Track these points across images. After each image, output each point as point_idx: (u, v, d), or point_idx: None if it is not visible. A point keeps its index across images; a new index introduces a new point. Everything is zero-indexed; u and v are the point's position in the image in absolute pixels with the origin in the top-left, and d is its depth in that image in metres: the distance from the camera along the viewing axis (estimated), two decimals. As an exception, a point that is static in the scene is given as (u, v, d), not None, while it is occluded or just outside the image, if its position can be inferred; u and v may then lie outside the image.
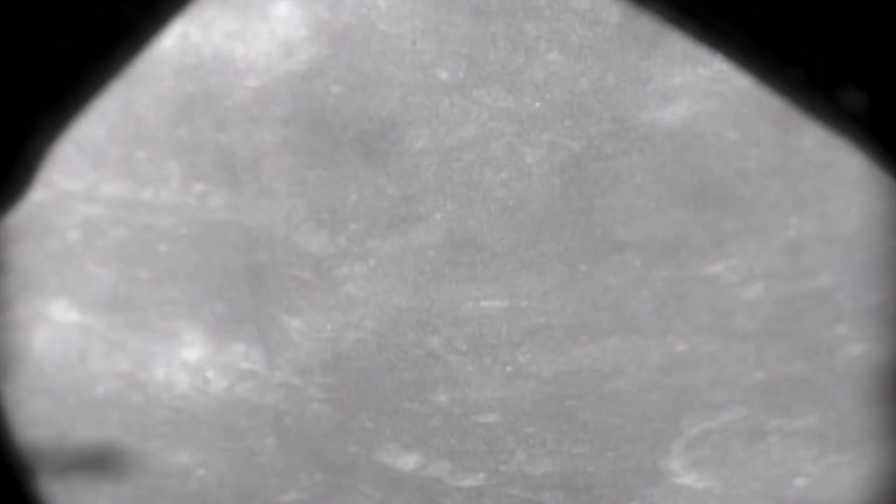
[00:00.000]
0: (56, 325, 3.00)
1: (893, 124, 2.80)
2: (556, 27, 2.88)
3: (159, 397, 3.02)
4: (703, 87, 2.64)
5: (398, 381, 2.82)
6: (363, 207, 2.89)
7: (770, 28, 2.82)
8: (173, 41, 2.77)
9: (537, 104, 2.89)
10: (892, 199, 2.87)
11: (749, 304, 3.00)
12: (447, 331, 2.99)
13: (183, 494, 3.16)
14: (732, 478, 3.15)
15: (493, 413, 3.08)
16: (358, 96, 2.78)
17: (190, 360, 2.99)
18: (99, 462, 3.10)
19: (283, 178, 2.83)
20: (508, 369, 3.06)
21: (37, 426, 3.08)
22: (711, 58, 2.74)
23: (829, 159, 2.88)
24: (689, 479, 3.16)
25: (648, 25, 2.85)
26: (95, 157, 2.67)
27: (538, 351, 3.03)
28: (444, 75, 2.60)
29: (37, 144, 2.85)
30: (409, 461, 3.15)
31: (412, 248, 2.84)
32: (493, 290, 2.86)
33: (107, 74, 2.80)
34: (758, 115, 2.81)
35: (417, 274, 2.79)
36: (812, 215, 2.94)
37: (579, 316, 2.83)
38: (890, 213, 2.87)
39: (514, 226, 2.97)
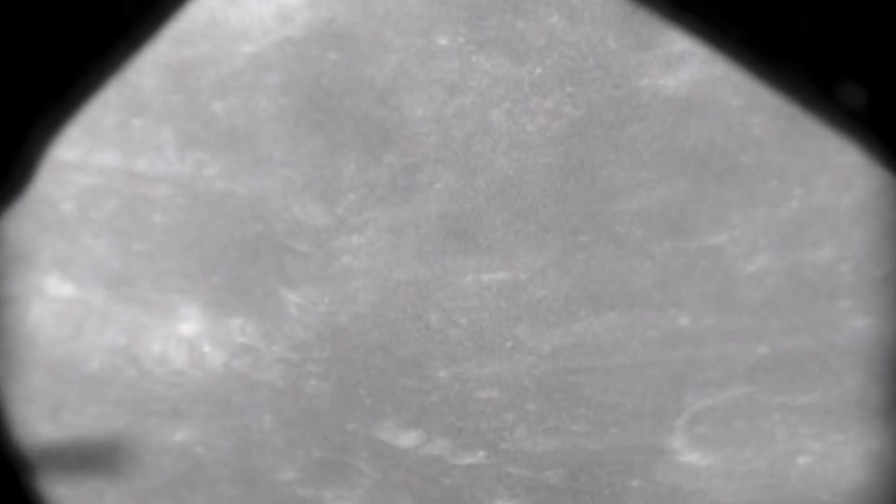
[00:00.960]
0: (50, 298, 2.84)
1: (892, 120, 2.59)
2: (556, -5, 2.29)
3: (155, 372, 2.88)
4: (707, 52, 2.27)
5: (397, 356, 2.63)
6: (361, 177, 2.78)
7: (768, 23, 2.66)
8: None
9: (538, 70, 2.74)
10: (892, 194, 2.65)
11: (752, 277, 2.83)
12: (446, 305, 2.82)
13: (179, 473, 2.98)
14: (735, 455, 2.95)
15: (493, 389, 2.90)
16: (356, 63, 2.69)
17: (186, 335, 2.86)
18: (94, 440, 2.92)
19: (279, 146, 2.73)
20: (508, 344, 2.88)
21: (31, 402, 2.90)
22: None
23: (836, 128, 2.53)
24: (691, 457, 2.96)
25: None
26: (89, 126, 2.30)
27: (538, 325, 2.85)
28: (443, 41, 2.36)
29: (36, 140, 2.68)
30: (408, 439, 2.96)
31: (411, 220, 2.73)
32: (493, 263, 2.74)
33: (106, 71, 2.66)
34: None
35: (416, 246, 2.70)
36: (817, 186, 2.77)
37: (579, 289, 2.73)
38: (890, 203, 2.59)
39: (514, 196, 2.81)
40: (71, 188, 2.67)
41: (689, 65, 2.61)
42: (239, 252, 2.61)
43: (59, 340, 2.80)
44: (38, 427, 2.83)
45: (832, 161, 2.67)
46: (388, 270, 2.62)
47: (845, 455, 2.85)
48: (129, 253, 2.72)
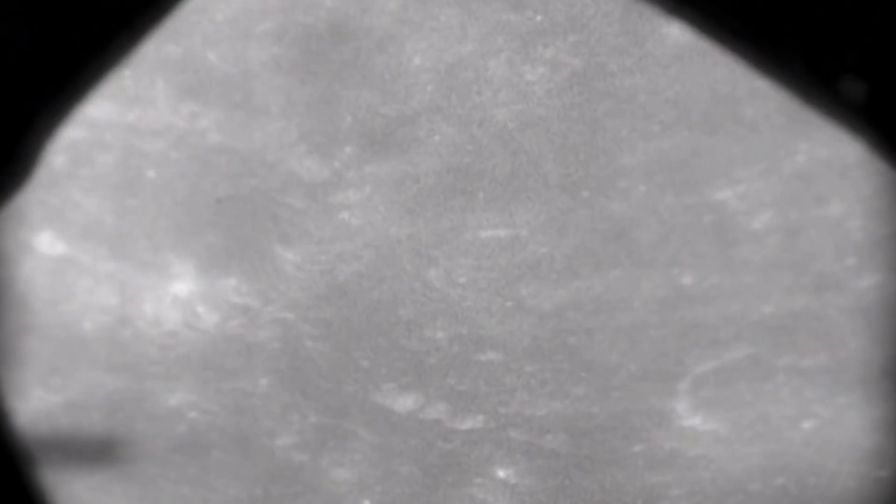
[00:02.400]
0: (41, 257, 2.53)
1: (892, 114, 2.30)
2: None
3: (148, 334, 2.57)
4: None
5: (395, 316, 2.53)
6: (358, 129, 2.47)
7: (769, 18, 2.34)
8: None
9: (538, 18, 2.44)
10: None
11: (756, 234, 2.50)
12: (445, 263, 2.52)
13: (174, 438, 2.63)
14: (738, 420, 2.59)
15: (493, 351, 2.57)
16: (352, 10, 2.44)
17: (180, 295, 2.55)
18: (86, 404, 2.58)
19: (274, 97, 2.46)
20: (508, 304, 2.55)
21: (23, 365, 2.56)
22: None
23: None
24: (694, 421, 2.61)
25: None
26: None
27: (539, 284, 2.52)
28: (442, -13, 1.86)
29: (39, 131, 2.38)
30: (406, 402, 2.62)
31: (409, 174, 2.49)
32: (493, 219, 2.51)
33: (107, 61, 2.35)
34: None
35: (414, 202, 2.50)
36: (823, 139, 2.43)
37: (581, 246, 2.52)
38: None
39: (514, 150, 2.48)
40: (61, 142, 2.44)
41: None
42: (233, 208, 2.42)
43: (50, 301, 2.50)
44: (29, 392, 2.52)
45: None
46: (385, 227, 2.43)
47: (851, 419, 2.52)
48: (121, 210, 2.45)
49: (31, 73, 2.32)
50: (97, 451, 2.41)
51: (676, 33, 2.24)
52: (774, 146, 2.34)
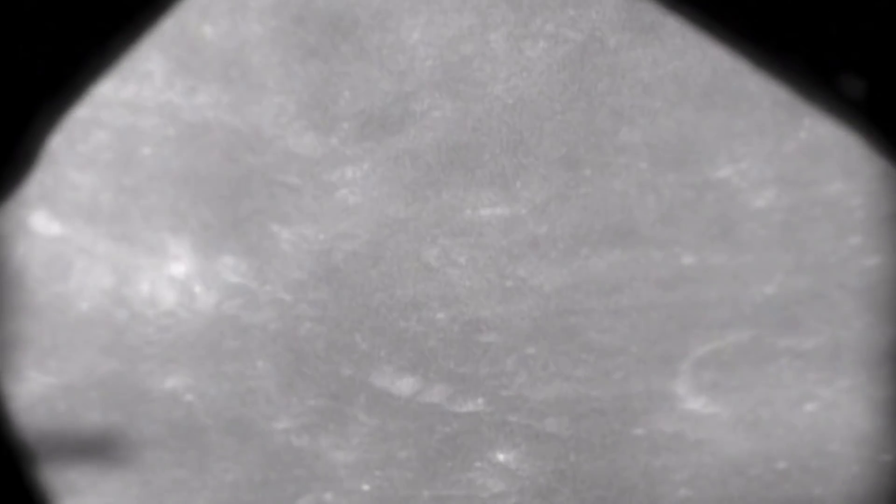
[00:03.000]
0: (37, 237, 2.36)
1: (892, 111, 2.16)
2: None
3: (145, 314, 2.40)
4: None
5: (393, 297, 2.39)
6: (356, 105, 2.32)
7: (768, 15, 2.20)
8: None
9: None
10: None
11: (759, 212, 2.35)
12: (445, 242, 2.36)
13: (170, 422, 2.45)
14: (740, 403, 2.42)
15: (493, 332, 2.41)
16: None
17: (177, 275, 2.38)
18: (83, 388, 2.39)
19: (271, 72, 2.32)
20: (508, 284, 2.39)
21: (18, 348, 2.37)
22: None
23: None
24: (695, 405, 2.44)
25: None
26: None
27: (539, 264, 2.37)
28: (440, -40, 1.72)
29: (37, 130, 2.22)
30: (405, 385, 2.45)
31: (408, 151, 2.34)
32: (493, 197, 2.37)
33: (106, 60, 2.21)
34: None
35: (413, 179, 2.37)
36: (827, 116, 2.25)
37: (582, 225, 2.39)
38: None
39: (514, 126, 2.32)
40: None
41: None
42: (230, 186, 2.31)
43: (46, 281, 2.35)
44: (25, 375, 2.36)
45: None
46: (383, 205, 2.32)
47: (854, 402, 2.36)
48: (117, 188, 2.31)
49: (31, 69, 2.22)
50: (93, 436, 2.24)
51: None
52: (777, 123, 2.24)
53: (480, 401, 2.29)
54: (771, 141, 2.16)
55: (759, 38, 2.14)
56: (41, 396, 2.25)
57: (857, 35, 2.16)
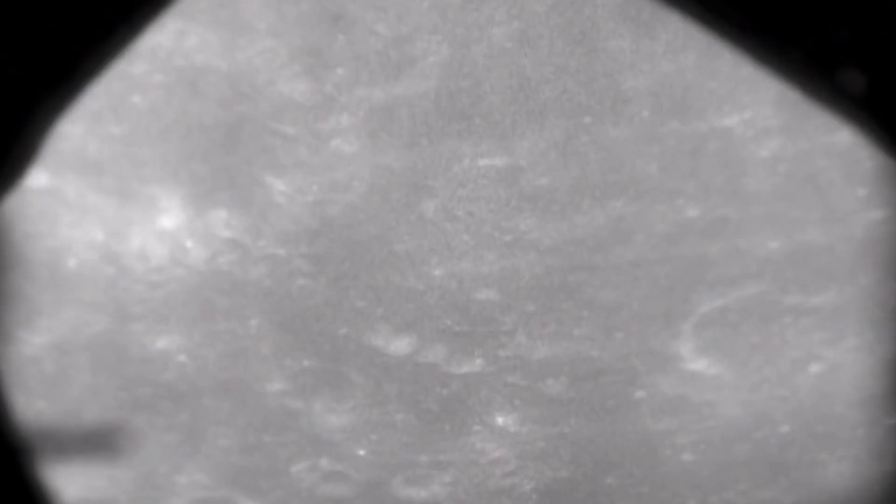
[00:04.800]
0: (24, 190, 1.93)
1: (892, 105, 1.82)
2: None
3: (135, 270, 1.98)
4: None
5: (389, 252, 2.09)
6: (351, 50, 1.91)
7: (770, 9, 1.82)
8: None
9: None
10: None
11: (764, 163, 1.92)
12: (442, 193, 1.95)
13: (162, 384, 2.01)
14: (744, 363, 1.98)
15: (491, 289, 2.00)
16: None
17: (167, 229, 1.97)
18: (72, 347, 1.95)
19: (263, 15, 1.92)
20: (507, 238, 1.98)
21: (6, 305, 1.95)
22: None
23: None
24: (698, 365, 2.00)
25: None
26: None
27: (539, 217, 1.96)
28: None
29: (35, 129, 1.85)
30: (401, 345, 2.01)
31: (404, 98, 1.94)
32: (491, 147, 1.99)
33: (104, 59, 1.83)
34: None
35: (409, 127, 1.98)
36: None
37: (583, 176, 2.01)
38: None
39: (513, 72, 1.89)
40: (44, 65, 1.59)
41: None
42: (222, 135, 1.94)
43: (34, 236, 1.95)
44: (13, 334, 1.96)
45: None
46: (379, 155, 1.96)
47: (860, 363, 1.96)
48: (105, 138, 1.92)
49: (30, 67, 1.88)
50: (82, 399, 1.75)
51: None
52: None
53: (479, 361, 1.84)
54: (777, 88, 1.70)
55: (759, 31, 1.85)
56: (30, 357, 1.77)
57: (858, 31, 1.85)
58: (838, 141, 1.90)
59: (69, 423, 2.00)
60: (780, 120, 1.89)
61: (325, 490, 2.03)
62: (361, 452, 2.01)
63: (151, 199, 1.92)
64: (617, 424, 2.01)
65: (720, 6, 1.84)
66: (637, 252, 1.94)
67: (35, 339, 1.96)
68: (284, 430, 2.01)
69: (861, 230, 1.92)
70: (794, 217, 1.92)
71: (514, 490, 2.02)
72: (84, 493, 2.02)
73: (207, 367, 1.99)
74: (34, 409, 1.99)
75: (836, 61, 1.87)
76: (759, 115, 1.89)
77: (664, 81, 1.87)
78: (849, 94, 1.86)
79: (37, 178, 1.92)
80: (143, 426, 2.01)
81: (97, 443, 2.03)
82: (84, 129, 1.91)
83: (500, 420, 2.01)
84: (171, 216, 1.92)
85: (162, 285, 1.95)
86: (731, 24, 1.86)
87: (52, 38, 1.85)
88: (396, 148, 1.90)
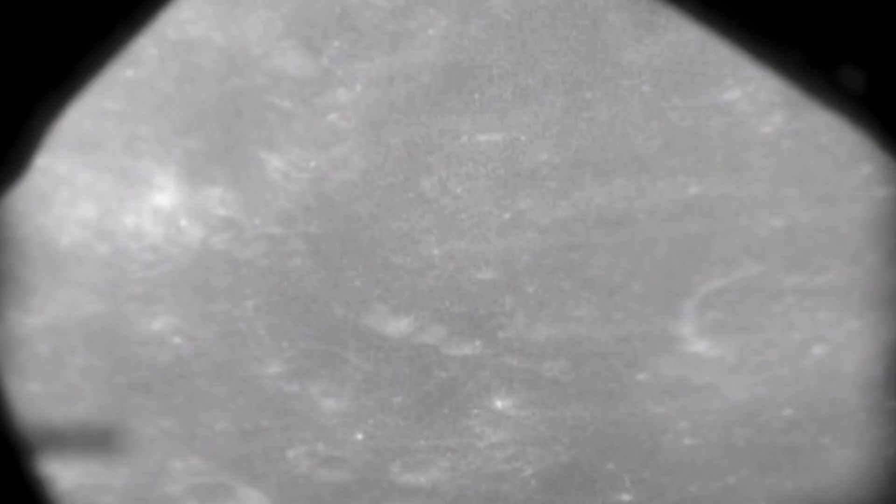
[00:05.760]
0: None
1: (892, 104, 1.67)
2: None
3: (129, 249, 1.82)
4: None
5: (387, 230, 1.80)
6: (348, 21, 1.73)
7: (770, 8, 1.67)
8: None
9: None
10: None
11: (766, 138, 1.73)
12: (440, 170, 1.78)
13: (157, 366, 1.82)
14: (746, 345, 1.79)
15: (490, 268, 1.82)
16: None
17: (161, 206, 1.80)
18: (65, 329, 1.76)
19: None
20: (507, 216, 1.80)
21: None
22: None
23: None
24: (700, 347, 1.80)
25: None
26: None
27: (538, 194, 1.78)
28: None
29: (35, 126, 1.69)
30: (399, 326, 1.82)
31: (402, 71, 1.79)
32: (491, 122, 1.85)
33: (104, 57, 1.68)
34: None
35: (407, 102, 1.87)
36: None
37: (583, 152, 1.88)
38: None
39: (513, 45, 1.72)
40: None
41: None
42: (216, 110, 1.76)
43: (26, 214, 1.74)
44: (6, 315, 1.75)
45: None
46: (377, 131, 1.77)
47: (864, 345, 1.74)
48: (99, 113, 1.71)
49: (29, 67, 1.71)
50: (76, 382, 1.54)
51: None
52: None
53: (477, 343, 1.63)
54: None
55: (760, 30, 1.70)
56: (23, 338, 1.53)
57: (857, 28, 1.70)
58: (842, 116, 1.67)
59: (63, 407, 1.77)
60: (783, 94, 1.67)
61: (322, 475, 1.80)
62: (359, 437, 1.78)
63: (146, 176, 1.70)
64: (617, 408, 1.78)
65: (721, 5, 1.63)
66: (638, 231, 1.72)
67: (28, 321, 1.73)
68: (281, 414, 1.78)
69: (865, 208, 1.69)
70: (796, 195, 1.69)
71: (513, 475, 1.79)
72: (79, 479, 1.78)
73: (203, 350, 1.76)
74: (28, 392, 1.75)
75: (836, 60, 1.66)
76: (761, 90, 1.67)
77: (666, 55, 1.65)
78: (849, 93, 1.66)
79: (29, 155, 1.70)
80: (138, 410, 1.77)
81: (92, 427, 1.80)
82: (76, 105, 1.68)
83: (498, 404, 1.79)
84: (165, 193, 1.70)
85: (156, 265, 1.72)
86: (731, 23, 1.65)
87: (54, 37, 1.65)
88: (393, 123, 1.68)
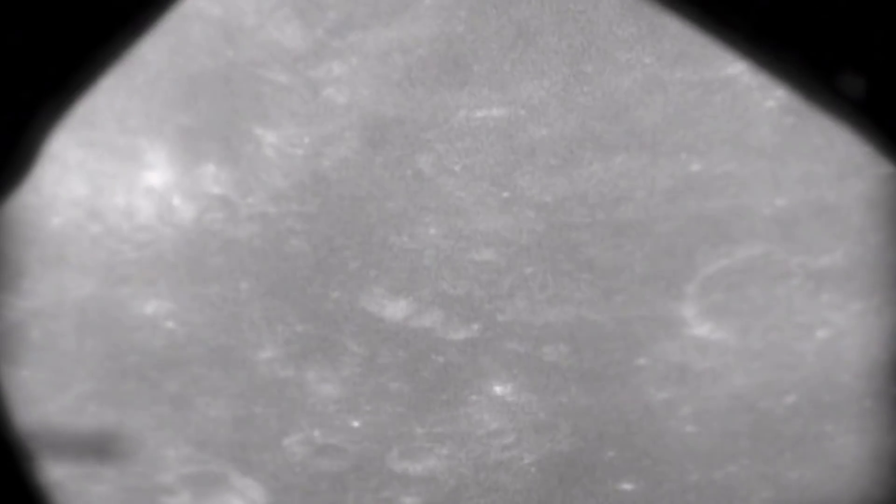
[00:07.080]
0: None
1: (892, 109, 1.53)
2: None
3: (120, 229, 1.63)
4: None
5: (384, 209, 1.63)
6: None
7: (769, 13, 1.50)
8: None
9: None
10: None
11: (770, 114, 1.55)
12: (438, 147, 1.60)
13: (150, 351, 1.61)
14: (749, 329, 1.59)
15: (489, 249, 1.64)
16: None
17: (153, 185, 1.62)
18: (56, 313, 1.56)
19: None
20: (505, 195, 1.61)
21: None
22: None
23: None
24: (702, 330, 1.60)
25: None
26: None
27: (538, 172, 1.59)
28: None
29: (35, 133, 1.52)
30: (397, 309, 1.62)
31: (399, 44, 1.68)
32: (489, 97, 1.70)
33: (104, 64, 1.51)
34: None
35: (404, 76, 1.70)
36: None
37: (583, 128, 1.70)
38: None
39: (511, 16, 1.55)
40: (26, 11, 1.63)
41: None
42: (209, 84, 1.56)
43: (16, 193, 1.50)
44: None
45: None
46: (373, 105, 1.59)
47: (868, 328, 1.52)
48: (88, 88, 1.51)
49: (29, 71, 1.51)
50: (68, 367, 1.64)
51: None
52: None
53: (476, 326, 1.46)
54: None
55: (760, 37, 1.53)
56: (14, 323, 1.26)
57: (856, 33, 1.51)
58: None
59: (54, 393, 1.49)
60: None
61: (318, 464, 1.52)
62: (356, 424, 1.51)
63: (137, 152, 1.44)
64: (618, 394, 1.52)
65: (720, 8, 1.38)
66: (639, 209, 1.46)
67: (19, 304, 1.46)
68: (276, 400, 1.52)
69: (870, 187, 1.43)
70: (800, 172, 1.44)
71: (513, 463, 1.52)
72: (70, 468, 1.50)
73: (197, 334, 1.50)
74: (17, 378, 1.47)
75: (835, 64, 1.41)
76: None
77: (667, 25, 1.40)
78: (848, 97, 1.52)
79: (19, 132, 1.44)
80: (130, 397, 1.49)
81: (83, 414, 1.51)
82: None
83: (497, 389, 1.52)
84: (157, 171, 1.44)
85: (149, 245, 1.45)
86: (730, 26, 1.41)
87: (53, 43, 1.40)
88: (390, 98, 1.43)
